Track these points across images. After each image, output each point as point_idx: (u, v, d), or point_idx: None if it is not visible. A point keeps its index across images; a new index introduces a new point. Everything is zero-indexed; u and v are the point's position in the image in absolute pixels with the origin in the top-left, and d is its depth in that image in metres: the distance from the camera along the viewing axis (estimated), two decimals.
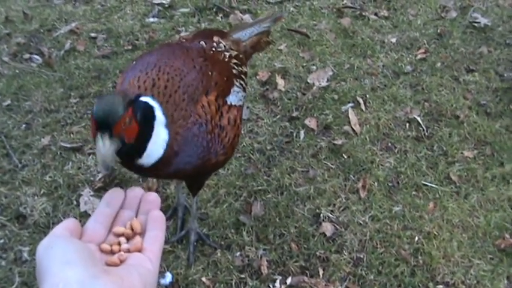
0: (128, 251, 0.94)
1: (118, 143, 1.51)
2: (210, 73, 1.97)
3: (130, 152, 1.62)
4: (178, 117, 1.79)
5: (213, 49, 2.16)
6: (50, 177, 2.86)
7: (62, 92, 3.37)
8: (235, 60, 2.20)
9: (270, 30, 2.65)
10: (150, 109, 1.67)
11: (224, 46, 2.23)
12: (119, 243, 0.95)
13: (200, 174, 2.14)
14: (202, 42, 2.17)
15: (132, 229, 0.98)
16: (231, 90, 2.08)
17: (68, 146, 3.01)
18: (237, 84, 2.14)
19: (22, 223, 2.67)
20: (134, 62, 1.97)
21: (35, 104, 3.28)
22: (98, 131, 1.48)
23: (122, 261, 0.91)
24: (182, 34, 3.80)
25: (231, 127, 2.02)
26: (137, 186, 1.06)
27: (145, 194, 1.03)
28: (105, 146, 1.48)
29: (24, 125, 3.16)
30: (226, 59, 2.16)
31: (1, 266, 2.50)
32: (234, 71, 2.16)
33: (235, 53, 2.26)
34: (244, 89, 2.21)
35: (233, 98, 2.07)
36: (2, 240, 2.59)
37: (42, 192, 2.79)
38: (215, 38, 2.26)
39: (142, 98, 1.66)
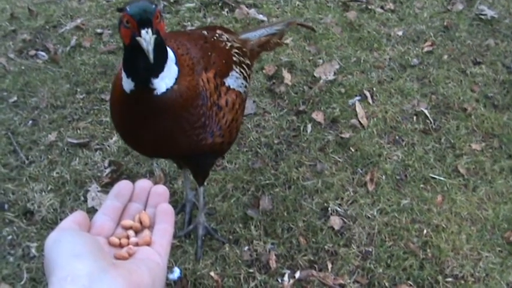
0: (137, 244, 0.94)
1: (156, 35, 1.60)
2: (209, 53, 2.03)
3: (151, 63, 1.64)
4: (187, 72, 1.85)
5: (215, 37, 2.22)
6: (57, 173, 2.86)
7: (68, 88, 3.37)
8: (236, 51, 2.24)
9: (283, 33, 2.69)
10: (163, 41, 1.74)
11: (227, 38, 2.27)
12: (128, 237, 0.95)
13: (198, 156, 2.11)
14: (204, 31, 2.24)
15: (141, 222, 0.97)
16: (230, 73, 2.10)
17: (75, 141, 3.01)
18: (237, 70, 2.16)
19: (30, 219, 2.67)
20: None
21: (41, 100, 3.28)
22: (141, 28, 1.57)
23: (130, 255, 0.91)
24: (188, 29, 3.80)
25: (229, 109, 2.03)
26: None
27: (154, 187, 1.03)
28: (151, 39, 1.57)
29: (30, 121, 3.16)
30: (227, 47, 2.21)
31: (9, 262, 2.50)
32: (235, 59, 2.20)
33: (238, 45, 2.29)
34: (245, 78, 2.22)
35: (231, 81, 2.09)
36: (10, 237, 2.59)
37: (49, 188, 2.79)
38: (218, 31, 2.31)
39: None
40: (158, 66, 1.69)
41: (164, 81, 1.72)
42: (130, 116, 1.84)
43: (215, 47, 2.12)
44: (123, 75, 1.74)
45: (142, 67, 1.66)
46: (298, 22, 3.06)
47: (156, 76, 1.70)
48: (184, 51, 1.92)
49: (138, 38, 1.57)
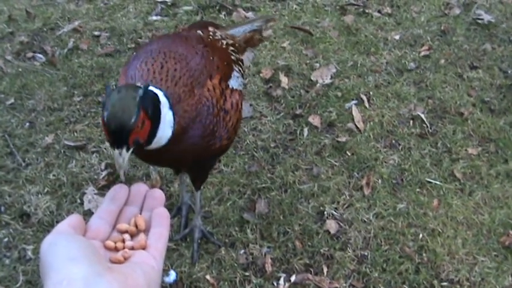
0: (132, 248, 0.94)
1: (134, 147, 1.51)
2: (211, 58, 1.99)
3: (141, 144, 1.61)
4: (187, 96, 1.80)
5: (211, 37, 2.20)
6: (54, 175, 2.86)
7: (65, 91, 3.37)
8: (232, 48, 2.25)
9: (261, 30, 2.68)
10: (156, 97, 1.65)
11: (220, 35, 2.27)
12: (123, 240, 0.95)
13: (204, 160, 2.13)
14: (199, 31, 2.21)
15: (136, 226, 0.97)
16: (232, 75, 2.11)
17: (72, 144, 3.01)
18: (236, 69, 2.17)
19: (26, 222, 2.67)
20: (135, 53, 1.98)
21: (39, 103, 3.28)
22: (113, 146, 1.47)
23: (126, 259, 0.91)
24: (180, 27, 3.80)
25: (234, 111, 2.04)
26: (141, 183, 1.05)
27: (150, 191, 1.03)
28: (123, 158, 1.48)
29: (27, 124, 3.16)
30: (224, 46, 2.21)
31: (5, 265, 2.50)
32: (233, 57, 2.20)
33: (231, 41, 2.30)
34: (242, 75, 2.24)
35: (234, 82, 2.10)
36: (6, 239, 2.59)
37: (46, 190, 2.79)
38: (210, 28, 2.30)
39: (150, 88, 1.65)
40: (148, 142, 1.63)
41: (160, 140, 1.68)
42: (142, 158, 1.88)
43: (215, 48, 2.10)
44: None
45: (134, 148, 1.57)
46: (294, 25, 3.08)
47: (149, 144, 1.65)
48: (183, 69, 1.84)
49: (112, 149, 1.49)
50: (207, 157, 2.07)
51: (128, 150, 1.48)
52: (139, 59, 1.87)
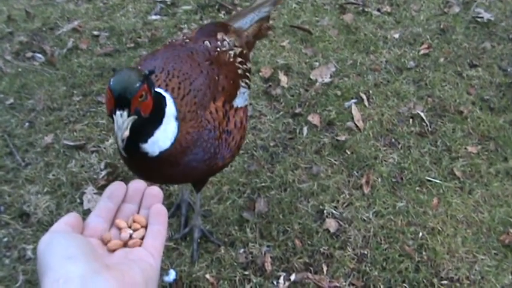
0: (130, 237, 0.94)
1: (134, 117, 1.53)
2: (216, 78, 1.97)
3: (138, 132, 1.62)
4: (190, 117, 1.80)
5: (218, 49, 2.14)
6: (53, 175, 2.86)
7: (64, 90, 3.37)
8: (239, 59, 2.20)
9: (269, 16, 2.63)
10: (162, 96, 1.69)
11: (228, 44, 2.22)
12: (120, 232, 0.96)
13: (205, 177, 2.14)
14: (206, 42, 2.15)
15: (134, 221, 0.97)
16: (238, 93, 2.08)
17: (71, 144, 3.01)
18: (243, 84, 2.14)
19: (26, 221, 2.67)
20: (138, 67, 1.96)
21: (38, 103, 3.28)
22: (117, 107, 1.49)
23: (125, 244, 0.92)
24: (185, 31, 3.80)
25: (238, 130, 2.02)
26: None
27: (148, 188, 1.03)
28: (124, 122, 1.50)
29: (27, 124, 3.16)
30: (231, 59, 2.15)
31: (5, 265, 2.50)
32: (240, 71, 2.16)
33: (239, 49, 2.24)
34: (249, 87, 2.21)
35: (239, 101, 2.08)
36: (5, 239, 2.59)
37: (45, 190, 2.79)
38: (219, 36, 2.24)
39: (157, 89, 1.67)
40: (146, 133, 1.66)
41: (157, 144, 1.69)
42: (136, 167, 1.85)
43: (221, 64, 2.06)
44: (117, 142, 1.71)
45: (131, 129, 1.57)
46: (293, 24, 3.05)
47: (145, 141, 1.67)
48: (187, 88, 1.85)
49: (114, 116, 1.51)
50: (209, 174, 2.08)
51: (129, 115, 1.50)
52: None
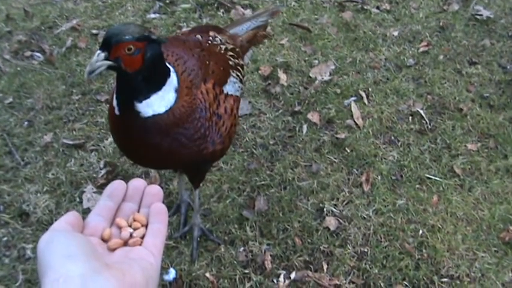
0: (131, 236, 0.94)
1: (113, 64, 1.57)
2: (207, 62, 2.01)
3: (131, 89, 1.66)
4: (186, 92, 1.82)
5: (209, 42, 2.20)
6: (53, 174, 2.86)
7: (63, 89, 3.37)
8: (231, 53, 2.24)
9: (266, 24, 2.66)
10: (167, 68, 1.74)
11: (220, 40, 2.27)
12: (121, 231, 0.96)
13: (199, 164, 2.12)
14: (198, 36, 2.21)
15: (134, 220, 0.97)
16: (228, 80, 2.11)
17: (70, 143, 3.01)
18: (234, 75, 2.17)
19: (25, 220, 2.67)
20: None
21: (37, 102, 3.27)
22: (100, 47, 1.55)
23: (126, 243, 0.91)
24: (183, 30, 3.80)
25: (228, 116, 2.03)
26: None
27: (148, 187, 1.02)
28: (97, 62, 1.54)
29: (26, 123, 3.15)
30: (222, 51, 2.20)
31: (4, 264, 2.50)
32: (231, 63, 2.19)
33: (231, 46, 2.29)
34: (241, 81, 2.23)
35: (230, 88, 2.10)
36: (5, 238, 2.59)
37: (44, 189, 2.79)
38: (211, 33, 2.30)
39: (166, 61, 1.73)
40: (139, 93, 1.68)
41: (151, 107, 1.71)
42: (126, 135, 1.84)
43: (211, 53, 2.11)
44: (114, 96, 1.75)
45: (123, 90, 1.66)
46: (292, 22, 3.06)
47: (140, 101, 1.69)
48: (182, 66, 1.90)
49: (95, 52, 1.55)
50: (200, 161, 2.07)
51: (106, 59, 1.55)
52: None
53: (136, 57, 1.58)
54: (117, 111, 1.72)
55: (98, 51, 1.54)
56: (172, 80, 1.75)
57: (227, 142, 2.08)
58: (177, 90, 1.76)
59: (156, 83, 1.70)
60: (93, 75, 1.56)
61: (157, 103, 1.71)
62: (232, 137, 2.12)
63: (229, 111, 2.04)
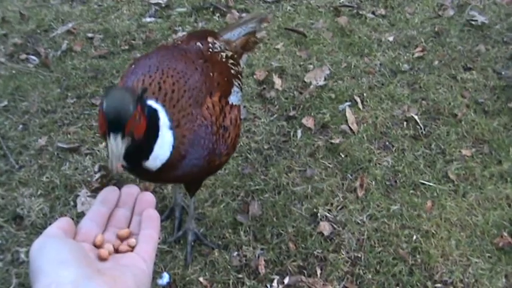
0: (120, 244, 0.94)
1: (129, 140, 1.48)
2: (211, 74, 1.98)
3: (137, 152, 1.62)
4: (185, 121, 1.80)
5: (210, 50, 2.17)
6: (47, 177, 2.85)
7: (58, 93, 3.37)
8: (231, 61, 2.22)
9: (255, 31, 2.65)
10: (154, 110, 1.68)
11: (219, 46, 2.25)
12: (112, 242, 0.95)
13: (203, 176, 2.14)
14: (198, 44, 2.17)
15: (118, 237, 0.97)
16: (232, 90, 2.10)
17: (65, 146, 3.01)
18: (236, 84, 2.16)
19: (19, 224, 2.66)
20: (133, 66, 1.96)
21: (32, 105, 3.27)
22: (110, 131, 1.44)
23: (110, 254, 0.91)
24: (176, 36, 3.79)
25: (233, 127, 2.03)
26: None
27: (141, 194, 1.02)
28: (118, 146, 1.44)
29: (21, 126, 3.15)
30: (223, 60, 2.18)
31: None
32: (232, 71, 2.18)
33: (231, 53, 2.28)
34: (241, 89, 2.23)
35: (234, 98, 2.09)
36: None
37: (39, 193, 2.78)
38: (209, 39, 2.26)
39: (148, 101, 1.65)
40: (146, 152, 1.66)
41: (158, 158, 1.70)
42: (137, 175, 1.87)
43: (215, 63, 2.08)
44: None
45: (130, 156, 1.55)
46: (288, 27, 3.06)
47: (147, 158, 1.68)
48: (181, 90, 1.84)
49: (107, 138, 1.45)
50: (206, 173, 2.08)
51: (123, 138, 1.45)
52: (136, 74, 1.87)
53: (142, 122, 1.52)
54: (124, 164, 1.65)
55: (112, 135, 1.43)
56: (163, 120, 1.70)
57: (231, 152, 2.09)
58: (171, 127, 1.73)
59: (154, 133, 1.66)
60: (121, 161, 1.48)
61: (161, 152, 1.70)
62: (236, 146, 2.12)
63: (234, 122, 2.03)
